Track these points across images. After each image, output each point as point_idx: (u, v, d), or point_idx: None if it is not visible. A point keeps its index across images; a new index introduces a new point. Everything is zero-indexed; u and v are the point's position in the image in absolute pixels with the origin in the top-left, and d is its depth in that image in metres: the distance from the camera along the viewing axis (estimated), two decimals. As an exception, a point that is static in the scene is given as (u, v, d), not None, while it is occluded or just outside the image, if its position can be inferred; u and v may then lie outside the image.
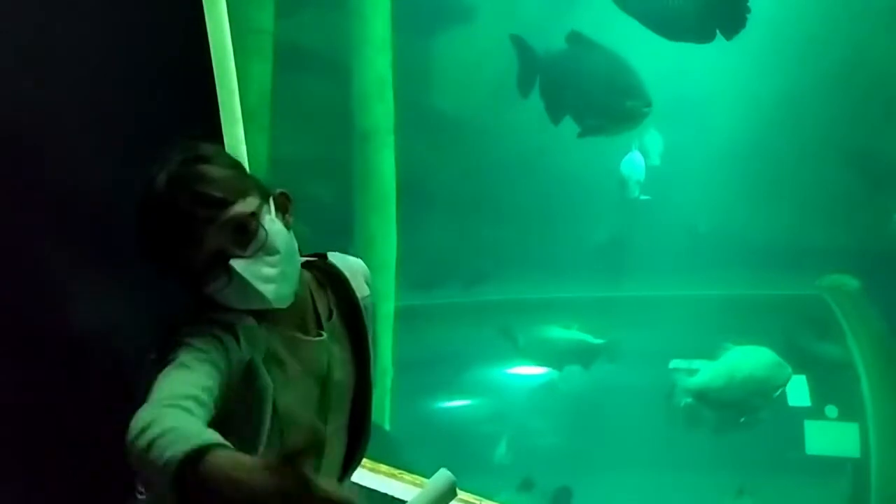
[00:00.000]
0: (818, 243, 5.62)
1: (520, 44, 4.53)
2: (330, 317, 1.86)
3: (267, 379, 1.64)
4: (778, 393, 5.06)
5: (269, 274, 1.57)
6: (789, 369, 4.97)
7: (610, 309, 6.08)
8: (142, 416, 1.31)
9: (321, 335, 1.81)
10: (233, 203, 1.56)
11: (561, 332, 5.73)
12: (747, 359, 4.98)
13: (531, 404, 5.99)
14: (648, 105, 4.07)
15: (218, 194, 1.54)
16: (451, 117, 5.98)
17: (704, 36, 3.71)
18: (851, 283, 5.37)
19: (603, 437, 5.58)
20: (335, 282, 1.88)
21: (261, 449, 1.65)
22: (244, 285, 1.55)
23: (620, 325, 6.01)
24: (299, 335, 1.76)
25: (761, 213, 5.73)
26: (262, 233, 1.57)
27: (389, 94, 4.71)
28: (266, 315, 1.67)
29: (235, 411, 1.58)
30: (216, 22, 2.11)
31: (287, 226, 1.67)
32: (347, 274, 1.90)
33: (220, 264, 1.55)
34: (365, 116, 4.67)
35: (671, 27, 3.79)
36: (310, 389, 1.78)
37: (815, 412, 5.45)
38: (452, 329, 5.86)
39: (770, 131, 5.42)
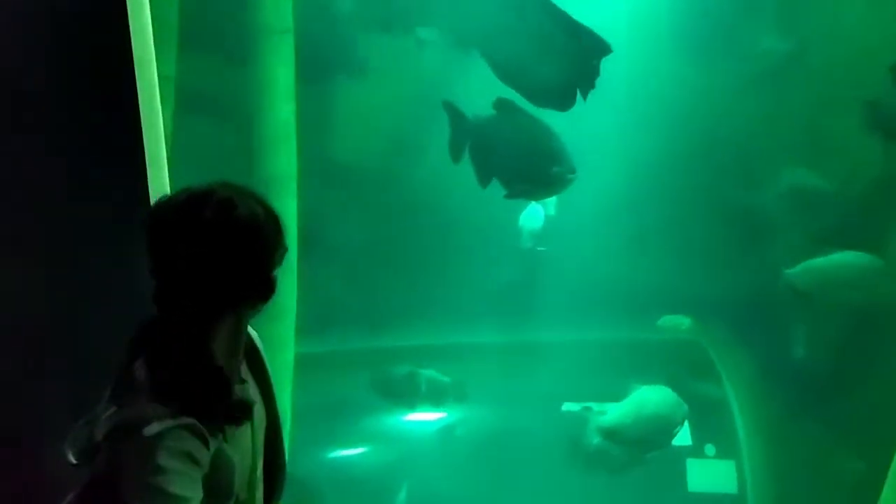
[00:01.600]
0: (698, 291, 5.99)
1: (451, 109, 4.61)
2: (241, 382, 1.89)
3: (232, 459, 1.73)
4: (678, 430, 5.34)
5: None
6: (686, 407, 5.26)
7: (505, 353, 6.22)
8: None
9: (244, 380, 1.88)
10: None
11: (413, 372, 5.82)
12: (651, 398, 5.25)
13: (429, 450, 6.00)
14: (573, 171, 4.25)
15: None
16: (351, 166, 6.05)
17: (566, 104, 4.14)
18: (685, 322, 5.75)
19: (500, 480, 5.67)
20: (248, 346, 1.94)
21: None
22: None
23: (514, 368, 6.16)
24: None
25: (646, 263, 6.06)
26: None
27: (293, 142, 4.74)
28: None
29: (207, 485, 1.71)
30: (145, 73, 2.12)
31: None
32: (256, 340, 2.04)
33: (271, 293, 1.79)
34: (267, 164, 4.66)
35: (538, 96, 4.21)
36: (246, 435, 1.83)
37: (696, 451, 5.76)
38: (352, 376, 5.84)
39: (655, 187, 5.79)
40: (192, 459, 1.61)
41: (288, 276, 4.85)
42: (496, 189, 5.58)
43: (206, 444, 1.65)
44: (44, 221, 2.35)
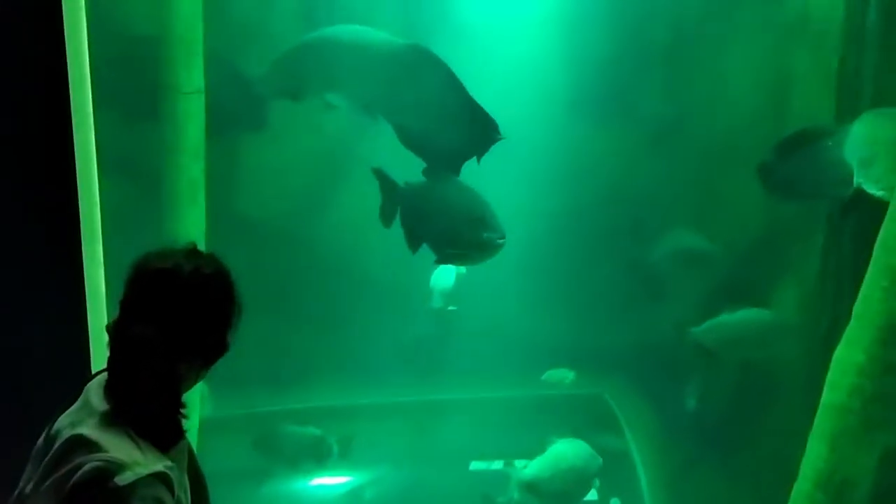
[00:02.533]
0: (601, 345, 6.19)
1: (381, 176, 4.68)
2: None
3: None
4: (593, 482, 5.45)
5: None
6: (600, 459, 5.38)
7: (416, 412, 6.22)
8: None
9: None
10: None
11: (294, 430, 5.76)
12: (568, 451, 5.34)
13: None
14: (503, 237, 4.29)
15: None
16: (260, 223, 6.00)
17: (454, 167, 4.44)
18: (569, 375, 5.95)
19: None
20: None
21: None
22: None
23: (425, 427, 6.15)
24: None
25: (549, 319, 6.22)
26: None
27: (201, 201, 4.69)
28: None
29: None
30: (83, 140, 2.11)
31: None
32: None
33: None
34: (175, 222, 4.60)
35: (438, 162, 4.46)
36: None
37: (602, 503, 5.87)
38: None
39: (556, 243, 5.99)
40: None
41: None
42: (405, 249, 5.69)
43: (172, 493, 1.68)
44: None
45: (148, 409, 1.71)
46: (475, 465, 6.13)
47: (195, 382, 1.84)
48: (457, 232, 4.32)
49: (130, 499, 1.60)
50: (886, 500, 3.59)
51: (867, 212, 3.71)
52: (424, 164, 4.53)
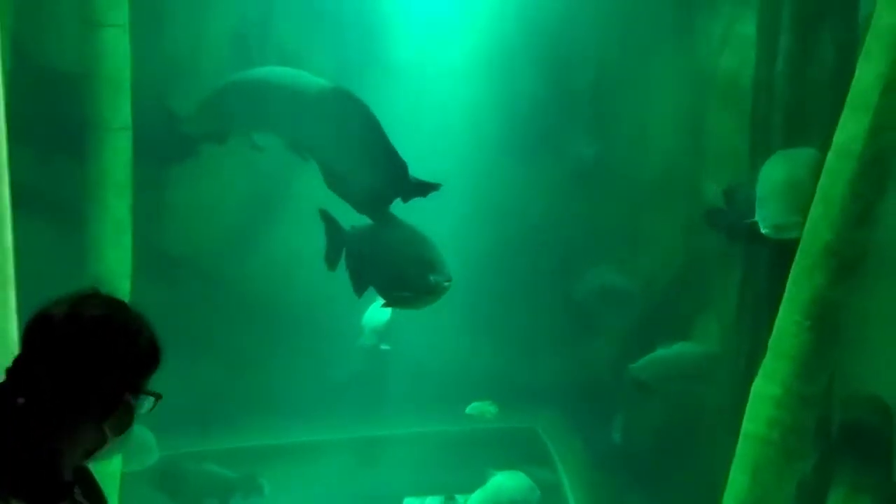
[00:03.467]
0: (531, 379, 6.27)
1: (327, 218, 4.61)
2: None
3: None
4: None
5: None
6: (538, 492, 5.41)
7: (347, 449, 6.15)
8: None
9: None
10: None
11: (197, 468, 5.57)
12: (508, 483, 5.38)
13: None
14: (449, 280, 4.20)
15: None
16: (188, 261, 5.89)
17: (377, 214, 4.44)
18: (492, 409, 6.01)
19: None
20: None
21: None
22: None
23: (357, 464, 6.09)
24: None
25: (481, 353, 6.28)
26: None
27: (127, 239, 4.57)
28: None
29: None
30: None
31: None
32: None
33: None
34: (99, 261, 4.46)
35: (359, 204, 4.47)
36: None
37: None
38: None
39: (488, 280, 6.06)
40: None
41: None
42: (337, 285, 5.65)
43: None
44: None
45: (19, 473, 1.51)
46: (409, 501, 6.09)
47: (105, 441, 1.64)
48: (403, 275, 4.25)
49: None
50: (804, 528, 3.73)
51: (780, 247, 3.86)
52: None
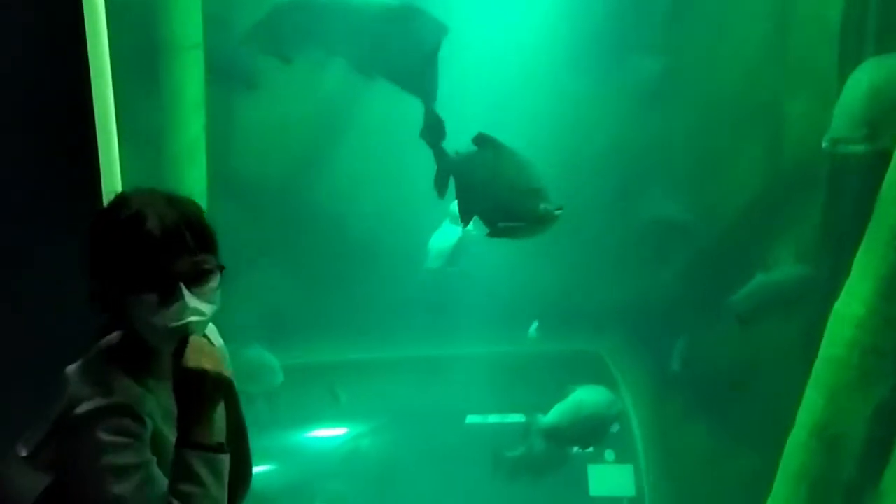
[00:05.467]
0: (598, 303, 6.24)
1: (433, 144, 4.40)
2: None
3: (169, 439, 1.76)
4: (613, 426, 5.55)
5: (203, 311, 1.77)
6: (621, 404, 5.46)
7: (411, 368, 6.29)
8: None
9: None
10: (212, 252, 1.80)
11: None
12: (589, 397, 5.42)
13: (336, 468, 5.96)
14: (560, 208, 3.95)
15: (206, 235, 1.79)
16: (259, 181, 5.98)
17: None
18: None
19: (408, 497, 5.71)
20: None
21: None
22: (181, 310, 1.73)
23: (421, 383, 6.22)
24: None
25: (547, 276, 6.26)
26: (213, 284, 1.79)
27: (202, 158, 4.66)
28: (159, 365, 1.81)
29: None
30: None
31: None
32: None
33: (173, 285, 1.72)
34: (177, 180, 4.54)
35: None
36: None
37: (596, 457, 6.00)
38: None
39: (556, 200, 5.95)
40: (131, 433, 1.68)
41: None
42: (403, 207, 5.64)
43: (141, 422, 1.71)
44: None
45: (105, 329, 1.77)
46: (471, 419, 6.22)
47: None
48: (512, 203, 3.99)
49: (90, 428, 1.65)
50: (879, 451, 3.68)
51: (870, 166, 3.71)
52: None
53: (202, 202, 4.66)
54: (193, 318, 1.73)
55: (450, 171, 4.35)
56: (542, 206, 3.93)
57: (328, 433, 6.16)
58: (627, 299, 6.23)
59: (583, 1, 5.87)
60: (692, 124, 5.99)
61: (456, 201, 4.41)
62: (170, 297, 1.72)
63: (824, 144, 3.81)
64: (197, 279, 1.74)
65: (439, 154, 4.40)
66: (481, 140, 4.19)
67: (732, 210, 6.00)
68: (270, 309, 5.93)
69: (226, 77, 5.38)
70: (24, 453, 1.74)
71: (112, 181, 2.28)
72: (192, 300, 1.72)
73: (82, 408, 1.66)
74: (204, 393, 1.71)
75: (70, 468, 1.67)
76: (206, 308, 1.76)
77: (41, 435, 1.73)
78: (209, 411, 1.72)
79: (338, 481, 5.88)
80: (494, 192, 4.10)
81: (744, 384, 5.56)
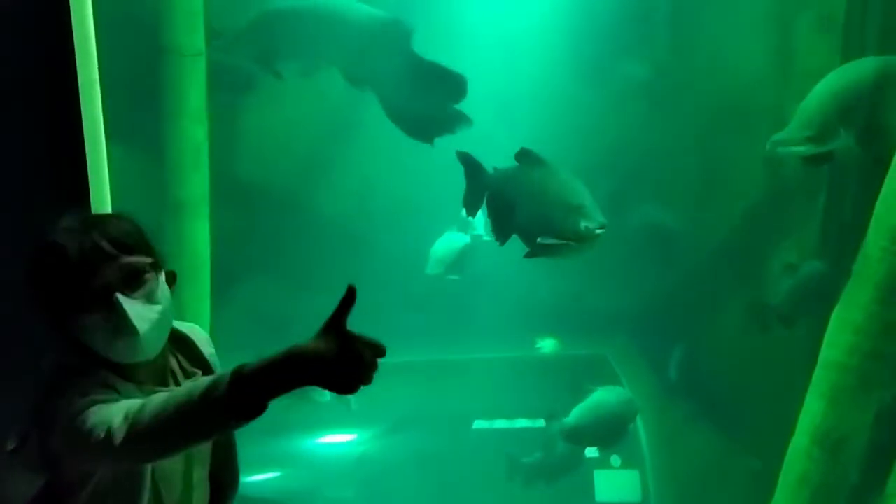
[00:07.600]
0: (603, 307, 6.23)
1: (467, 160, 4.17)
2: (186, 375, 1.93)
3: None
4: (632, 426, 5.54)
5: (148, 316, 1.69)
6: (638, 404, 5.45)
7: (417, 373, 6.28)
8: (114, 413, 1.50)
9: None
10: (135, 251, 1.72)
11: None
12: (608, 397, 5.41)
13: (346, 474, 5.97)
14: (602, 226, 3.77)
15: (126, 240, 1.71)
16: (263, 186, 6.01)
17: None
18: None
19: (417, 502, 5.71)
20: (181, 344, 1.97)
21: None
22: (122, 322, 1.66)
23: (428, 388, 6.23)
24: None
25: (552, 281, 6.25)
26: (152, 283, 1.72)
27: (205, 165, 4.69)
28: (135, 374, 1.76)
29: (117, 477, 1.70)
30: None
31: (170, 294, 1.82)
32: (192, 336, 2.03)
33: (107, 298, 1.66)
34: (179, 187, 4.61)
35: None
36: None
37: (602, 462, 5.98)
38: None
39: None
40: (104, 392, 1.63)
41: (201, 300, 4.78)
42: (405, 214, 5.63)
43: (115, 391, 1.66)
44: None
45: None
46: (478, 424, 6.22)
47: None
48: (550, 221, 3.79)
49: (60, 389, 1.63)
50: (881, 456, 3.67)
51: (870, 170, 3.69)
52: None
53: (205, 208, 4.76)
54: (142, 323, 1.67)
55: (485, 188, 4.16)
56: (583, 223, 3.74)
57: (339, 439, 6.17)
58: (634, 303, 6.23)
59: (581, 6, 5.87)
60: (693, 129, 5.98)
61: (464, 209, 4.30)
62: (109, 311, 1.65)
63: (767, 146, 3.77)
64: (129, 283, 1.68)
65: (472, 170, 4.20)
66: (523, 155, 4.03)
67: (735, 214, 5.98)
68: (277, 315, 5.95)
69: (229, 83, 5.41)
70: (11, 447, 1.73)
71: (100, 186, 2.28)
72: (131, 304, 1.65)
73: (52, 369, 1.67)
74: (314, 371, 1.46)
75: (45, 428, 1.65)
76: (154, 308, 1.70)
77: (26, 426, 1.73)
78: (290, 383, 1.47)
79: (348, 487, 5.89)
80: (534, 209, 3.92)
81: (749, 389, 5.53)
